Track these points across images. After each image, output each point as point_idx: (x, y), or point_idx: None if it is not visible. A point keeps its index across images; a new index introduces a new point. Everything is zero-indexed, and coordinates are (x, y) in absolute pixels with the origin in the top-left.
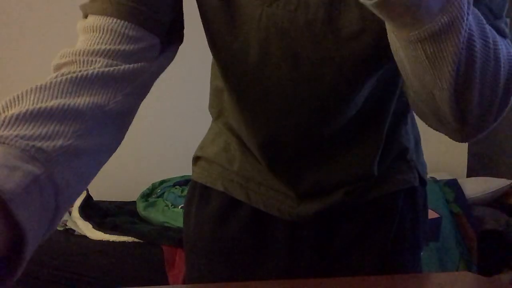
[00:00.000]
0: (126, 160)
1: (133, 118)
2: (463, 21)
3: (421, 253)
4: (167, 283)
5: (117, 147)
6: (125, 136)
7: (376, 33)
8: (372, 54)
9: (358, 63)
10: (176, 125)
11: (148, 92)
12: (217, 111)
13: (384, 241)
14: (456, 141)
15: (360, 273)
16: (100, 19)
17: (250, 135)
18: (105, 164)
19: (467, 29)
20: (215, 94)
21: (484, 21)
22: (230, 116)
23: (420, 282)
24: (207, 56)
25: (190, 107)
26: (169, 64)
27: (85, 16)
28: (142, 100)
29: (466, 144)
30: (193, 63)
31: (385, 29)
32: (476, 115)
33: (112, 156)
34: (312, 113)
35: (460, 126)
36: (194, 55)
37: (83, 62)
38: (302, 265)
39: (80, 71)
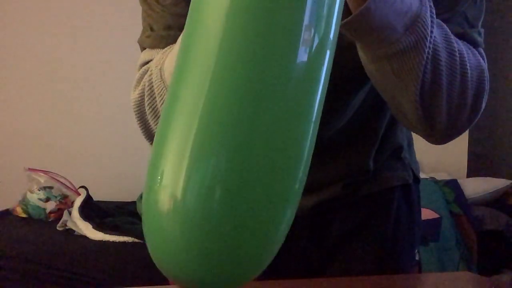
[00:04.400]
0: (126, 160)
1: None
2: (427, 39)
3: (416, 251)
4: (167, 283)
5: None
6: (125, 136)
7: None
8: None
9: (357, 68)
10: None
11: None
12: None
13: (381, 236)
14: (431, 143)
15: (356, 266)
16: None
17: None
18: (105, 164)
19: (431, 46)
20: None
21: (450, 34)
22: None
23: (420, 282)
24: None
25: None
26: None
27: (143, 49)
28: None
29: (466, 144)
30: None
31: None
32: (444, 122)
33: (112, 156)
34: None
35: (429, 132)
36: None
37: None
38: (297, 258)
39: None
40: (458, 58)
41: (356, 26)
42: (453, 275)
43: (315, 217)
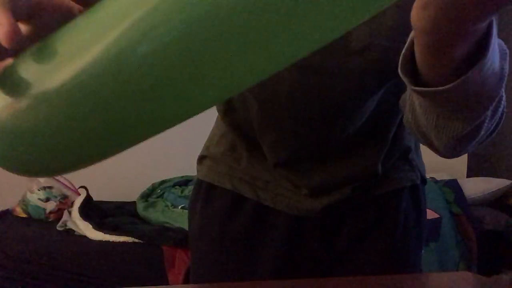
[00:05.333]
0: (126, 160)
1: None
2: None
3: (422, 252)
4: (167, 283)
5: None
6: None
7: (382, 49)
8: (378, 68)
9: (365, 76)
10: (176, 125)
11: None
12: (224, 109)
13: (391, 237)
14: (437, 155)
15: (365, 268)
16: None
17: (259, 133)
18: (105, 164)
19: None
20: None
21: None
22: (239, 113)
23: (420, 282)
24: None
25: None
26: None
27: None
28: None
29: None
30: None
31: (390, 46)
32: (449, 145)
33: (112, 156)
34: (322, 120)
35: (441, 151)
36: None
37: None
38: (307, 259)
39: None
40: (500, 110)
41: (447, 96)
42: (453, 275)
43: (325, 219)
